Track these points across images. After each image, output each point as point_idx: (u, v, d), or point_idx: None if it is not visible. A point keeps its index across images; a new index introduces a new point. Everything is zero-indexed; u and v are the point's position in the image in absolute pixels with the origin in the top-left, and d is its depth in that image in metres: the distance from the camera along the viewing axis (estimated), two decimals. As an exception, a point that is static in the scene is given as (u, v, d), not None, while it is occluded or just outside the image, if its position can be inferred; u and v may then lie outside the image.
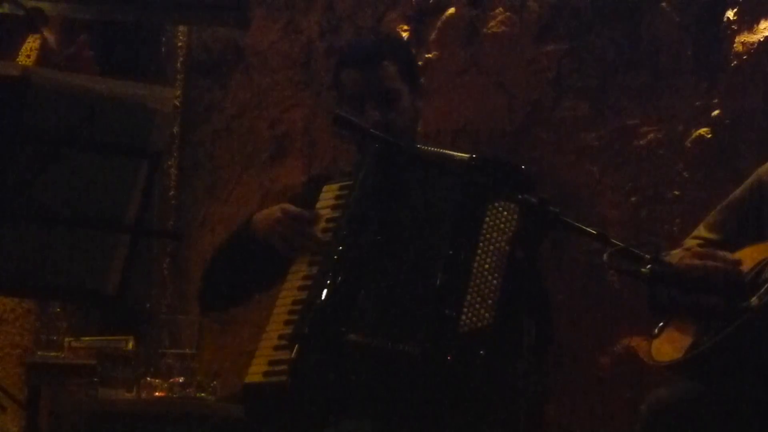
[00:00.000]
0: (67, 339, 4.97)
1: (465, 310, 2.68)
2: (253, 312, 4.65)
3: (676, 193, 4.34)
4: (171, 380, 4.81)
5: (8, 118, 2.35)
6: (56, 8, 5.00)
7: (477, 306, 2.68)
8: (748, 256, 3.10)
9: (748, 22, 4.24)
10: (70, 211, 2.44)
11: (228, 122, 5.60)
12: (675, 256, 3.19)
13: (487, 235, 2.77)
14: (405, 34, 4.99)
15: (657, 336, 3.23)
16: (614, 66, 4.52)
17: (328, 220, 2.89)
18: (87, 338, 5.01)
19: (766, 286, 2.95)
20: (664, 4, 4.42)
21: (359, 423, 2.69)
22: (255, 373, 2.67)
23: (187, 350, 5.12)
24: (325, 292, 2.69)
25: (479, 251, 2.75)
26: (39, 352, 5.00)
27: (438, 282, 2.72)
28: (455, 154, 2.93)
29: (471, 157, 2.88)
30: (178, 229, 5.33)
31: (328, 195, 2.95)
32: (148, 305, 5.49)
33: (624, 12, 4.51)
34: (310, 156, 5.32)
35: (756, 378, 3.01)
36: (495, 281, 2.71)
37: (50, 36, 3.90)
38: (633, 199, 4.43)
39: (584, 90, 4.58)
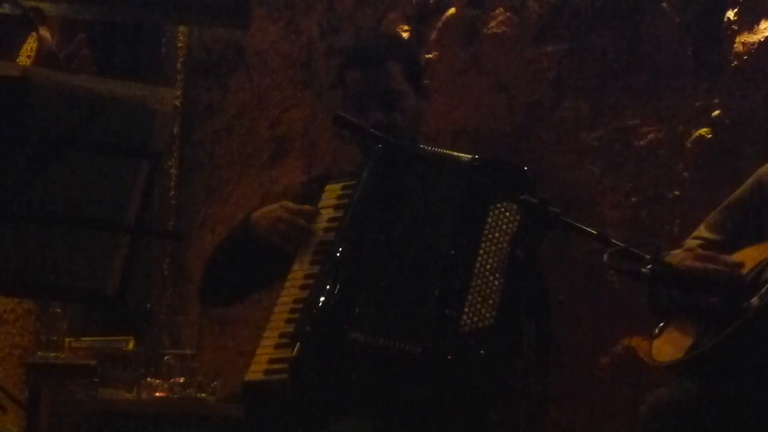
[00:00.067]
0: (67, 339, 4.97)
1: (466, 309, 2.68)
2: (253, 312, 4.66)
3: (677, 193, 4.35)
4: (171, 381, 4.82)
5: (8, 119, 2.35)
6: (56, 8, 5.00)
7: (478, 306, 2.69)
8: (749, 257, 3.11)
9: (749, 22, 4.24)
10: (70, 211, 2.44)
11: (228, 122, 5.59)
12: (675, 256, 3.19)
13: (489, 236, 2.77)
14: (405, 35, 4.99)
15: (657, 336, 3.23)
16: (614, 66, 4.52)
17: (330, 220, 2.89)
18: (87, 338, 5.01)
19: (766, 286, 2.95)
20: (664, 4, 4.42)
21: (360, 422, 2.69)
22: (255, 371, 2.68)
23: (188, 350, 5.13)
24: (326, 291, 2.68)
25: (481, 251, 2.75)
26: (39, 353, 5.00)
27: (439, 282, 2.72)
28: (457, 154, 2.93)
29: (473, 157, 2.89)
30: (178, 230, 5.33)
31: (330, 195, 2.96)
32: (148, 305, 5.49)
33: (624, 12, 4.51)
34: (310, 156, 5.32)
35: (756, 378, 3.01)
36: (496, 281, 2.71)
37: (47, 34, 3.90)
38: (633, 199, 4.43)
39: (584, 90, 4.58)
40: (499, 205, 2.80)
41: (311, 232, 2.88)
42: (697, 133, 4.32)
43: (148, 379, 4.83)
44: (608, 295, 4.38)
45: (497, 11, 4.81)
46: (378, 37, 4.18)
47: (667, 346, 3.18)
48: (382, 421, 2.70)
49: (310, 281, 2.77)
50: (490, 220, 2.79)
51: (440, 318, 2.67)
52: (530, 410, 2.42)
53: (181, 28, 5.67)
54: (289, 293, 2.79)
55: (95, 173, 2.47)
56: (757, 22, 4.22)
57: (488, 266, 2.74)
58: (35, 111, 2.38)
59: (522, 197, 2.55)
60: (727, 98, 4.25)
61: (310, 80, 5.36)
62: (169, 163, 5.55)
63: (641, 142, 4.44)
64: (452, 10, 4.94)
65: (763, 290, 2.95)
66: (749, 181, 3.35)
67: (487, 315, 2.68)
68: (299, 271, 2.83)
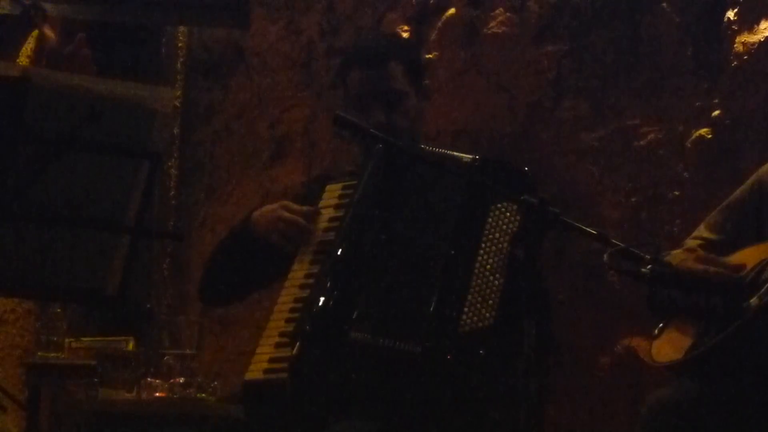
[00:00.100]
0: (67, 339, 4.97)
1: (466, 309, 2.69)
2: (253, 312, 4.66)
3: (677, 193, 4.34)
4: (171, 381, 4.82)
5: (8, 119, 2.35)
6: (56, 8, 4.99)
7: (478, 306, 2.69)
8: (749, 257, 3.11)
9: (749, 22, 4.24)
10: (70, 211, 2.44)
11: (228, 123, 5.60)
12: (675, 256, 3.19)
13: (489, 236, 2.78)
14: (405, 35, 4.99)
15: (657, 337, 3.23)
16: (614, 66, 4.52)
17: (330, 219, 2.89)
18: (87, 339, 5.01)
19: (766, 286, 2.95)
20: (664, 4, 4.42)
21: (360, 422, 2.70)
22: (255, 370, 2.68)
23: (188, 351, 5.12)
24: (327, 290, 2.69)
25: (481, 251, 2.76)
26: (39, 353, 5.00)
27: (439, 281, 2.72)
28: (458, 155, 2.93)
29: (474, 158, 2.89)
30: (179, 230, 5.33)
31: (331, 194, 2.96)
32: (148, 306, 5.49)
33: (624, 12, 4.51)
34: (310, 157, 5.33)
35: (756, 378, 3.02)
36: (496, 281, 2.72)
37: (51, 33, 3.91)
38: (633, 199, 4.43)
39: (584, 90, 4.59)
40: (499, 205, 2.81)
41: (312, 232, 2.88)
42: (697, 133, 4.32)
43: (148, 379, 4.83)
44: (608, 295, 4.38)
45: (497, 11, 4.81)
46: (380, 38, 4.18)
47: (667, 347, 3.18)
48: (381, 420, 2.70)
49: (311, 281, 2.78)
50: (490, 220, 2.80)
51: (440, 318, 2.68)
52: (530, 410, 2.42)
53: (181, 28, 5.67)
54: (290, 293, 2.79)
55: (95, 173, 2.46)
56: (757, 22, 4.22)
57: (488, 266, 2.74)
58: (35, 111, 2.38)
59: (522, 197, 2.55)
60: (727, 98, 4.25)
61: (310, 80, 5.36)
62: (169, 164, 5.55)
63: (641, 142, 4.44)
64: (452, 11, 4.94)
65: (763, 290, 2.95)
66: (749, 181, 3.35)
67: (487, 315, 2.68)
68: (299, 270, 2.83)
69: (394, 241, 2.81)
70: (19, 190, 2.37)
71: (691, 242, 3.33)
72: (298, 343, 2.58)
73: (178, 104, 5.56)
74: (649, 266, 2.56)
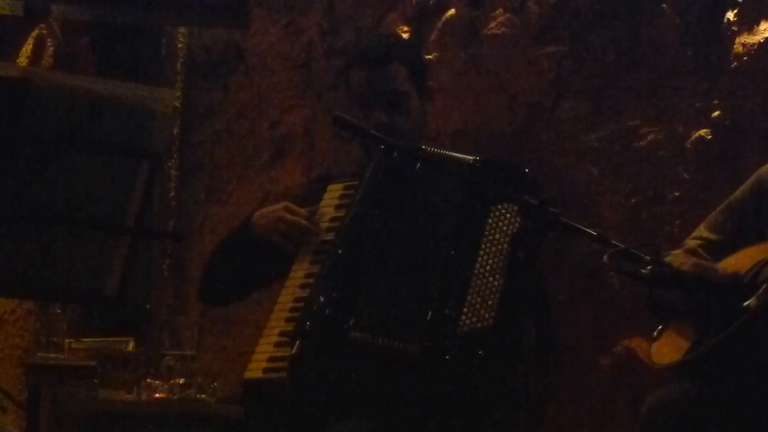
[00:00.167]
0: (67, 340, 4.97)
1: (465, 310, 2.69)
2: (253, 312, 4.66)
3: (677, 194, 4.34)
4: (171, 381, 4.82)
5: (8, 119, 2.36)
6: (56, 9, 4.99)
7: (477, 306, 2.69)
8: (748, 257, 3.11)
9: (749, 23, 4.24)
10: (70, 211, 2.44)
11: (228, 123, 5.60)
12: (675, 256, 3.19)
13: (489, 237, 2.78)
14: (405, 35, 4.99)
15: (656, 338, 3.23)
16: (614, 66, 4.52)
17: (331, 219, 2.90)
18: (87, 339, 5.01)
19: (764, 286, 2.95)
20: (664, 4, 4.42)
21: (359, 422, 2.70)
22: (255, 369, 2.69)
23: (188, 351, 5.13)
24: (327, 290, 2.70)
25: (481, 252, 2.76)
26: (39, 354, 5.00)
27: (439, 282, 2.72)
28: (458, 155, 2.93)
29: (474, 159, 2.89)
30: (179, 230, 5.33)
31: (332, 195, 2.96)
32: (148, 306, 5.49)
33: (624, 12, 4.51)
34: (310, 157, 5.33)
35: (756, 378, 3.02)
36: (496, 282, 2.72)
37: (55, 23, 3.91)
38: (633, 200, 4.43)
39: (584, 91, 4.58)
40: (499, 206, 2.81)
41: (315, 233, 2.89)
42: (697, 134, 4.32)
43: (148, 379, 4.83)
44: (608, 295, 4.38)
45: (497, 12, 4.80)
46: (382, 38, 4.19)
47: (666, 348, 3.18)
48: (381, 420, 2.70)
49: (311, 280, 2.78)
50: (490, 221, 2.80)
51: (439, 318, 2.68)
52: (530, 410, 2.42)
53: (181, 29, 5.67)
54: (290, 292, 2.80)
55: (95, 173, 2.47)
56: (757, 23, 4.22)
57: (488, 267, 2.74)
58: (35, 111, 2.38)
59: (522, 198, 2.55)
60: (727, 99, 4.25)
61: (310, 81, 5.36)
62: (170, 164, 5.55)
63: (641, 143, 4.44)
64: (452, 11, 4.94)
65: (761, 290, 2.95)
66: (749, 181, 3.35)
67: (486, 316, 2.68)
68: (300, 270, 2.83)
69: (395, 242, 2.81)
70: (19, 190, 2.37)
71: (691, 242, 3.33)
72: (297, 343, 2.58)
73: (178, 104, 5.56)
74: (649, 267, 2.56)
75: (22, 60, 5.14)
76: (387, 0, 5.15)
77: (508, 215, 2.79)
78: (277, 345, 2.69)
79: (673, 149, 4.37)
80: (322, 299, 2.68)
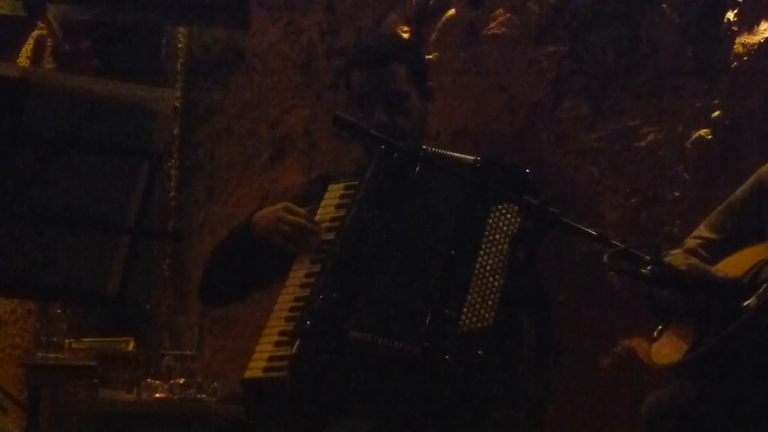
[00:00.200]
0: (67, 340, 4.97)
1: (465, 310, 2.69)
2: (253, 312, 4.66)
3: (677, 194, 4.34)
4: (171, 381, 4.82)
5: (8, 119, 2.36)
6: (56, 8, 5.00)
7: (477, 306, 2.69)
8: (748, 257, 3.11)
9: (749, 23, 4.24)
10: (70, 211, 2.44)
11: (228, 123, 5.60)
12: (675, 256, 3.20)
13: (490, 237, 2.78)
14: (405, 35, 4.99)
15: (656, 338, 3.23)
16: (614, 66, 4.52)
17: (332, 219, 2.90)
18: (87, 339, 5.01)
19: (764, 286, 2.96)
20: (664, 5, 4.42)
21: (359, 422, 2.70)
22: (255, 368, 2.69)
23: (188, 351, 5.12)
24: (327, 289, 2.70)
25: (481, 252, 2.76)
26: (39, 354, 5.00)
27: (439, 282, 2.73)
28: (458, 155, 2.94)
29: (474, 159, 2.90)
30: (179, 230, 5.32)
31: (332, 194, 2.97)
32: (148, 306, 5.49)
33: (624, 12, 4.51)
34: (310, 157, 5.33)
35: (755, 378, 3.02)
36: (496, 282, 2.72)
37: (55, 22, 3.91)
38: (633, 200, 4.43)
39: (584, 91, 4.58)
40: (499, 206, 2.81)
41: (316, 233, 2.89)
42: (697, 134, 4.32)
43: (148, 379, 4.83)
44: (608, 295, 4.38)
45: (497, 12, 4.80)
46: (382, 38, 4.19)
47: (666, 349, 3.19)
48: (380, 420, 2.70)
49: (311, 280, 2.78)
50: (490, 221, 2.80)
51: (439, 318, 2.68)
52: (530, 410, 2.43)
53: (181, 29, 5.67)
54: (290, 292, 2.80)
55: (95, 173, 2.47)
56: (757, 23, 4.22)
57: (488, 267, 2.74)
58: (35, 111, 2.38)
59: (522, 198, 2.55)
60: (727, 99, 4.25)
61: (310, 81, 5.36)
62: (170, 164, 5.55)
63: (641, 143, 4.44)
64: (452, 11, 4.94)
65: (761, 290, 2.95)
66: (749, 181, 3.35)
67: (486, 316, 2.68)
68: (300, 269, 2.84)
69: (395, 241, 2.82)
70: (19, 190, 2.37)
71: (691, 242, 3.33)
72: (297, 342, 2.58)
73: (178, 104, 5.56)
74: (648, 267, 2.56)
75: (22, 60, 5.14)
76: (387, 0, 5.15)
77: (509, 215, 2.79)
78: (277, 344, 2.69)
79: (673, 149, 4.37)
80: (322, 299, 2.68)
